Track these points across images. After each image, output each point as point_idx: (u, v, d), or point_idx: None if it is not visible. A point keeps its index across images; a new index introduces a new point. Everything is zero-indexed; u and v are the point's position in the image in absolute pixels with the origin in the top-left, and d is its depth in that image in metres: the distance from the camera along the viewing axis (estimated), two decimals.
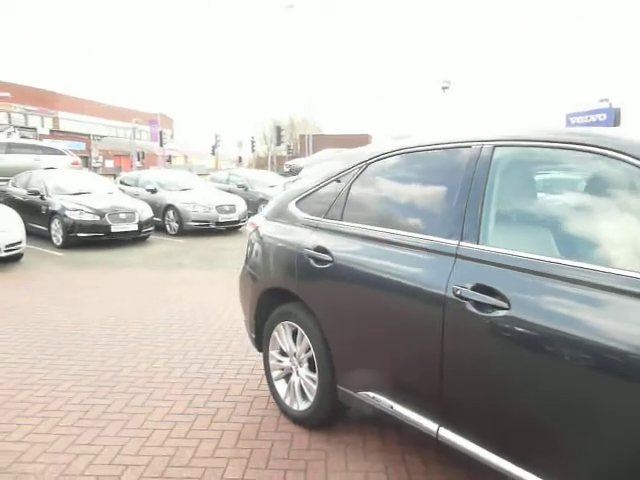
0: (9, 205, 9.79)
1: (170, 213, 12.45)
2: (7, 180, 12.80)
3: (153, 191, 13.16)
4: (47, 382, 3.77)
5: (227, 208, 12.60)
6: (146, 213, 11.13)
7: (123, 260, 9.30)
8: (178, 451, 2.87)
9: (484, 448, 2.07)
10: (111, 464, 2.74)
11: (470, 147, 2.33)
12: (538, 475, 1.86)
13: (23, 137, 29.63)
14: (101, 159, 52.67)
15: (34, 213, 10.85)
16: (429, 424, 2.30)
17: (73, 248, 10.20)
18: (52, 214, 10.50)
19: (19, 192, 11.81)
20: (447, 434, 2.22)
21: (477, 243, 2.14)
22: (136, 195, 12.97)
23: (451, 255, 2.20)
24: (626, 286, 1.64)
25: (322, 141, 46.47)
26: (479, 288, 2.03)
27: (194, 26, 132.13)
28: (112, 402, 3.47)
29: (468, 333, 2.08)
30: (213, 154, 46.31)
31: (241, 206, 13.11)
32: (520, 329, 1.90)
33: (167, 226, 12.53)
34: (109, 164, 53.62)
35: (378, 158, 2.83)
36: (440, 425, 2.26)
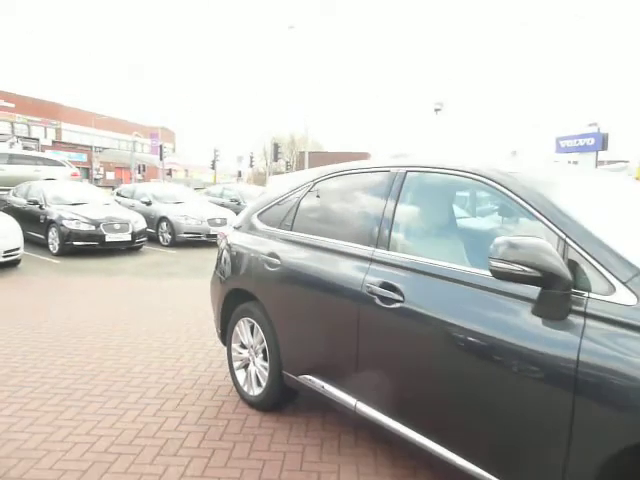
0: (9, 214, 10.29)
1: (163, 225, 12.96)
2: (8, 190, 13.34)
3: (148, 203, 13.69)
4: (38, 370, 4.24)
5: (218, 221, 13.10)
6: (139, 224, 11.63)
7: (116, 268, 9.77)
8: (146, 426, 3.34)
9: (390, 418, 2.55)
10: (88, 434, 3.21)
11: (389, 171, 2.84)
12: (431, 439, 2.32)
13: (26, 148, 30.20)
14: (102, 171, 53.40)
15: (33, 222, 11.36)
16: (349, 399, 2.78)
17: (69, 256, 10.69)
18: (50, 223, 11.02)
19: (19, 201, 12.33)
20: (363, 407, 2.70)
21: (387, 249, 2.64)
22: (132, 207, 13.49)
23: (368, 260, 2.70)
24: (483, 283, 2.14)
25: (320, 158, 47.10)
26: (384, 285, 2.52)
27: (198, 41, 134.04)
28: (93, 387, 3.93)
29: (375, 322, 2.57)
30: (213, 168, 47.01)
31: (232, 219, 13.61)
32: (411, 317, 2.39)
33: (160, 237, 13.03)
34: (110, 176, 54.32)
35: (322, 178, 3.34)
36: (357, 400, 2.74)
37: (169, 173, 56.25)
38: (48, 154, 21.76)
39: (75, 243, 10.73)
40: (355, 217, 2.99)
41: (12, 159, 16.30)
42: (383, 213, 2.73)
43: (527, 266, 1.84)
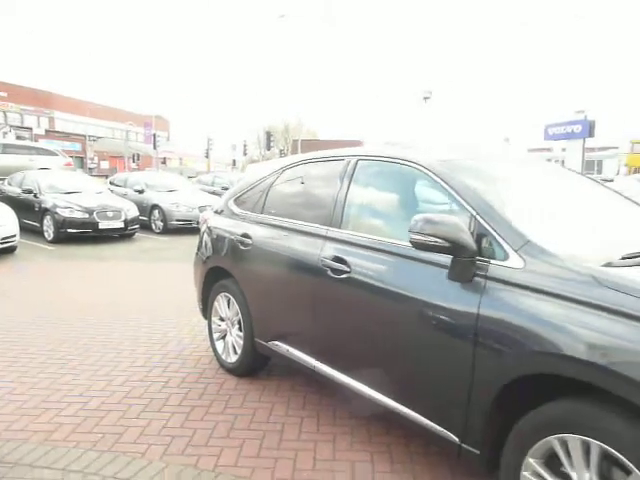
0: (4, 202, 10.63)
1: (155, 212, 13.31)
2: (3, 179, 13.66)
3: (140, 192, 14.04)
4: (35, 344, 4.63)
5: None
6: (132, 212, 11.99)
7: (109, 254, 10.15)
8: (133, 389, 3.74)
9: (344, 374, 2.95)
10: (81, 395, 3.61)
11: (344, 159, 3.23)
12: (377, 390, 2.72)
13: (19, 137, 30.36)
14: (96, 160, 53.41)
15: (28, 210, 11.70)
16: (310, 360, 3.19)
17: (63, 243, 11.06)
18: (44, 211, 11.36)
19: (14, 190, 12.66)
20: (320, 366, 3.11)
21: (339, 228, 3.03)
22: (124, 195, 13.84)
23: (323, 237, 3.09)
24: (411, 253, 2.53)
25: (313, 146, 47.32)
26: (335, 259, 2.92)
27: (193, 29, 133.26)
28: (86, 358, 4.33)
29: (327, 291, 2.97)
30: (207, 157, 47.20)
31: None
32: (356, 286, 2.78)
33: (153, 225, 13.39)
34: (104, 165, 54.35)
35: (290, 166, 3.73)
36: (316, 359, 3.14)
37: (164, 162, 56.33)
38: (42, 144, 22.05)
39: (69, 230, 11.08)
40: (315, 200, 3.37)
41: (6, 149, 16.58)
42: (337, 196, 3.12)
43: (439, 238, 2.23)
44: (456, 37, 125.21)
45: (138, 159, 49.47)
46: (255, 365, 3.93)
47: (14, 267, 8.54)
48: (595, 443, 1.82)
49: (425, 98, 25.33)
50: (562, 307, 1.95)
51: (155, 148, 37.80)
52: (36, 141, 31.03)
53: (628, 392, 1.73)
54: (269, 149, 32.35)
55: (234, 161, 57.74)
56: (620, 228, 2.77)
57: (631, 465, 1.72)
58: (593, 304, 1.88)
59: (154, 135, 38.13)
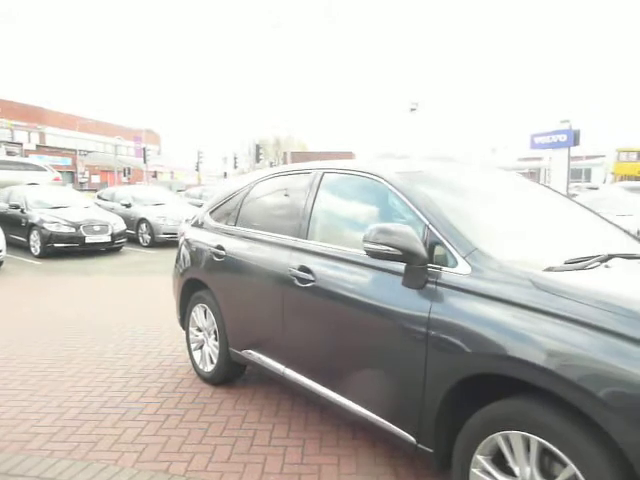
0: None
1: (143, 226, 13.39)
2: None
3: (128, 205, 14.12)
4: (18, 356, 4.70)
5: None
6: (119, 226, 12.06)
7: (96, 268, 10.21)
8: (111, 399, 3.82)
9: (311, 379, 3.05)
10: (59, 407, 3.68)
11: (310, 172, 3.35)
12: (342, 394, 2.82)
13: (9, 153, 30.31)
14: (87, 174, 53.40)
15: (15, 225, 11.75)
16: (279, 366, 3.28)
17: (50, 257, 11.11)
18: (31, 226, 11.42)
19: (1, 206, 12.70)
20: (289, 372, 3.20)
21: (306, 239, 3.14)
22: (112, 209, 13.91)
23: (291, 248, 3.20)
24: (369, 262, 2.64)
25: (304, 158, 47.49)
26: (301, 268, 3.03)
27: (183, 42, 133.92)
28: (67, 370, 4.40)
29: (294, 300, 3.08)
30: (197, 170, 47.33)
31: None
32: (320, 294, 2.89)
33: (140, 238, 13.46)
34: (95, 179, 54.33)
35: (261, 179, 3.85)
36: (285, 366, 3.24)
37: (155, 175, 56.45)
38: (31, 159, 22.07)
39: (56, 245, 11.13)
40: (284, 212, 3.48)
41: None
42: (304, 208, 3.24)
43: (391, 246, 2.34)
44: (446, 48, 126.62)
45: (129, 173, 49.50)
46: (231, 374, 4.02)
47: None
48: (534, 439, 1.92)
49: (412, 109, 25.66)
50: (503, 310, 2.07)
51: (145, 162, 37.90)
52: (26, 156, 31.06)
53: (561, 390, 1.84)
54: (258, 161, 32.56)
55: (225, 174, 57.86)
56: (570, 235, 2.90)
57: (566, 458, 1.83)
58: (530, 307, 1.99)
59: (144, 149, 38.24)
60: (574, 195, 17.61)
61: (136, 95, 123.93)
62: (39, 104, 53.54)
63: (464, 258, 2.29)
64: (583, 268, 2.23)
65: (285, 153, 52.41)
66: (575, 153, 30.73)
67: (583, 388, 1.76)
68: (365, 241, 2.42)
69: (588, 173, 42.45)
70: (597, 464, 1.74)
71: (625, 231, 3.19)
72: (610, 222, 3.26)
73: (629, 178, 28.58)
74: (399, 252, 2.34)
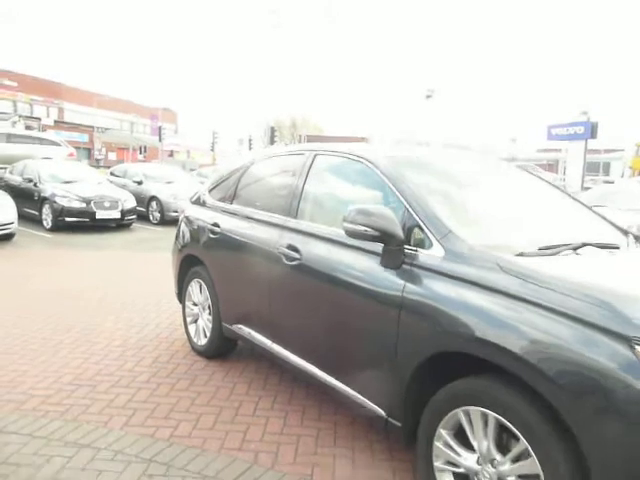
0: (6, 191, 10.89)
1: (153, 204, 13.54)
2: (5, 168, 13.93)
3: (139, 183, 14.27)
4: (22, 323, 4.87)
5: None
6: (129, 202, 12.23)
7: (105, 243, 10.40)
8: (106, 367, 3.96)
9: (295, 354, 3.15)
10: (56, 372, 3.84)
11: (303, 154, 3.42)
12: (321, 368, 2.93)
13: (28, 127, 30.63)
14: (104, 151, 53.74)
15: (28, 198, 11.97)
16: (267, 341, 3.39)
17: (61, 231, 11.32)
18: (43, 200, 11.62)
19: (15, 179, 12.93)
20: (275, 347, 3.31)
21: (295, 218, 3.23)
22: (124, 186, 14.06)
23: (281, 227, 3.29)
24: (350, 242, 2.72)
25: (318, 141, 47.37)
26: (289, 247, 3.12)
27: (202, 22, 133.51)
28: (66, 338, 4.56)
29: (281, 276, 3.17)
30: (212, 150, 47.42)
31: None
32: (305, 271, 2.98)
33: (150, 215, 13.62)
34: (112, 156, 54.65)
35: (257, 160, 3.94)
36: (272, 341, 3.35)
37: (171, 154, 56.62)
38: (46, 134, 22.33)
39: (67, 219, 11.34)
40: (277, 192, 3.57)
41: (10, 138, 16.87)
42: (295, 188, 3.32)
43: (369, 227, 2.42)
44: (466, 34, 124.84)
45: (145, 151, 49.70)
46: (223, 348, 4.14)
47: (11, 254, 8.80)
48: (492, 415, 2.01)
49: (427, 96, 25.47)
50: (471, 292, 2.14)
51: (160, 140, 38.05)
52: (44, 131, 31.32)
53: (518, 369, 1.92)
54: (272, 143, 32.61)
55: (239, 153, 57.84)
56: (552, 223, 2.95)
57: (518, 433, 1.92)
58: (495, 289, 2.07)
59: (160, 127, 38.38)
60: (588, 189, 17.47)
61: (154, 73, 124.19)
62: (57, 80, 53.84)
63: (438, 241, 2.36)
64: (553, 254, 2.29)
65: (300, 136, 52.40)
66: (593, 146, 30.28)
67: (538, 368, 1.84)
68: (345, 221, 2.50)
69: (607, 167, 41.91)
70: (547, 440, 1.83)
71: (612, 223, 3.23)
72: (598, 214, 3.30)
73: None
74: (377, 233, 2.42)
